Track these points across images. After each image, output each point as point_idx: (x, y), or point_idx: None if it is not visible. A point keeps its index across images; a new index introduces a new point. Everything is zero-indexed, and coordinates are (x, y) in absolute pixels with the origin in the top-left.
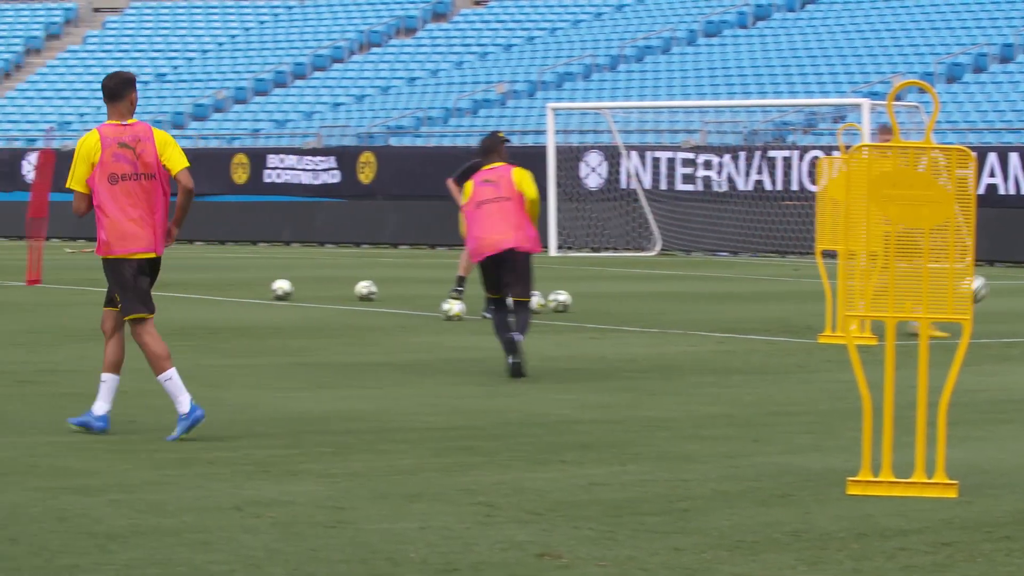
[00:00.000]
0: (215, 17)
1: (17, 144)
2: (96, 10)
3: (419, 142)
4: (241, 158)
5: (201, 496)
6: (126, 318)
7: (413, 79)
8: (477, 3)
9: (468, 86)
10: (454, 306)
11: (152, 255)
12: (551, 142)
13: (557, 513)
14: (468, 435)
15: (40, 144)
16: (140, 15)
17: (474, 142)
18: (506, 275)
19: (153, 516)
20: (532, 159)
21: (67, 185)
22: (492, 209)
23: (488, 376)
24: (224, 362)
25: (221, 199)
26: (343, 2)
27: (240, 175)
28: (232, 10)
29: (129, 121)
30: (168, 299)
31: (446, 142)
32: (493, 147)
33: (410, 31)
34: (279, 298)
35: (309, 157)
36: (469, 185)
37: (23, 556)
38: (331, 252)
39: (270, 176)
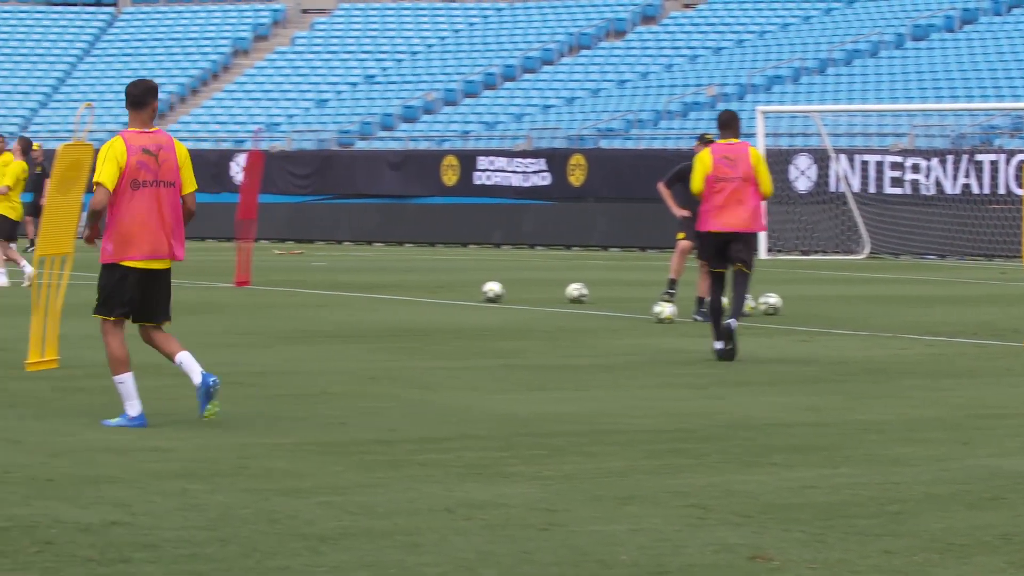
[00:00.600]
0: (424, 18)
1: (225, 145)
2: (304, 11)
3: (629, 144)
4: (451, 160)
5: (412, 498)
6: (94, 313)
7: (623, 82)
8: (687, 6)
9: (678, 89)
10: (665, 308)
11: (158, 264)
12: (761, 145)
13: (768, 515)
14: (678, 437)
15: (248, 146)
16: (348, 16)
17: (684, 145)
18: (732, 248)
19: (364, 518)
20: None
21: (97, 180)
22: (727, 188)
23: (698, 378)
24: (435, 364)
25: (431, 201)
26: (552, 5)
27: (450, 177)
28: (441, 12)
29: (151, 129)
30: (379, 301)
31: (656, 145)
32: (730, 122)
33: (620, 33)
34: (490, 300)
35: (519, 159)
36: (707, 156)
37: (234, 558)
38: (541, 254)
39: (480, 178)
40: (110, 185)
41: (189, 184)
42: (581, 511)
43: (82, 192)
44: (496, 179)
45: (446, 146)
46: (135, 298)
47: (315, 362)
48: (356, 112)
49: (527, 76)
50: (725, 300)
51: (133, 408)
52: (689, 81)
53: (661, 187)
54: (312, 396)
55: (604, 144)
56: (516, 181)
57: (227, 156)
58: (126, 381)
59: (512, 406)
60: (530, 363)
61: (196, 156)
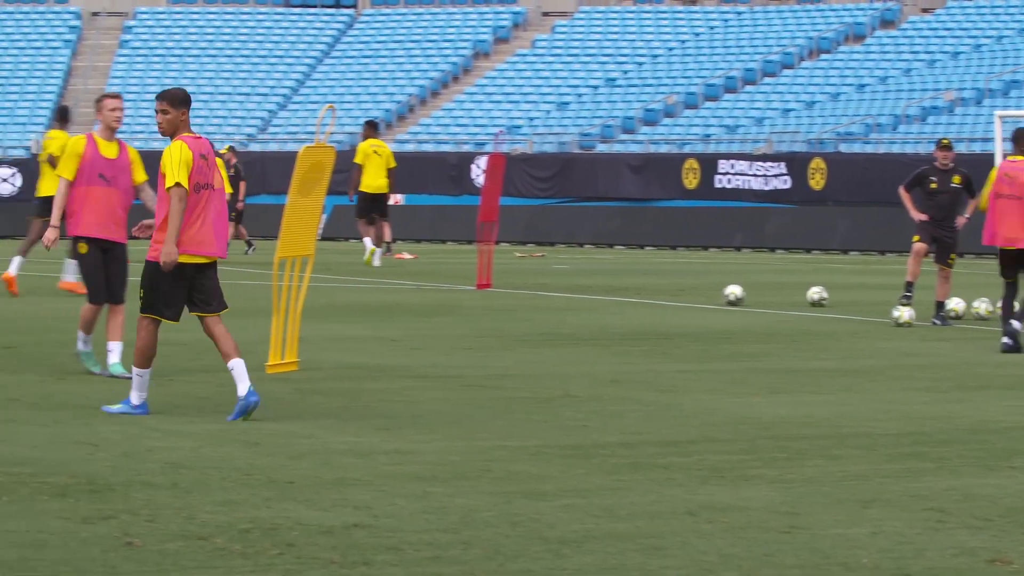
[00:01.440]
0: (664, 21)
1: (466, 148)
2: (545, 14)
3: (868, 148)
4: (692, 163)
5: (654, 501)
6: (141, 312)
7: (862, 86)
8: (925, 10)
9: (916, 93)
10: (904, 312)
11: (204, 259)
12: (999, 150)
13: (1008, 519)
14: (919, 441)
15: (489, 148)
16: (589, 19)
17: (923, 149)
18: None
19: (606, 521)
20: (979, 166)
21: (175, 183)
22: (1006, 205)
23: (937, 382)
24: (678, 367)
25: (672, 204)
26: (792, 8)
27: (691, 180)
28: (682, 15)
29: (197, 135)
30: (621, 304)
31: (895, 149)
32: (1017, 139)
33: (859, 38)
34: (731, 303)
35: (760, 163)
36: (993, 172)
37: (476, 560)
38: (782, 258)
39: (721, 181)
40: (188, 187)
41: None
42: (822, 514)
43: (323, 194)
44: (736, 182)
45: (687, 149)
46: (182, 298)
47: (557, 365)
48: (597, 115)
49: (767, 80)
50: (1016, 304)
51: (138, 397)
52: (927, 85)
53: (902, 191)
54: (554, 399)
55: (844, 148)
56: (756, 184)
57: (467, 159)
58: (144, 375)
59: (753, 409)
60: (771, 366)
61: (436, 158)
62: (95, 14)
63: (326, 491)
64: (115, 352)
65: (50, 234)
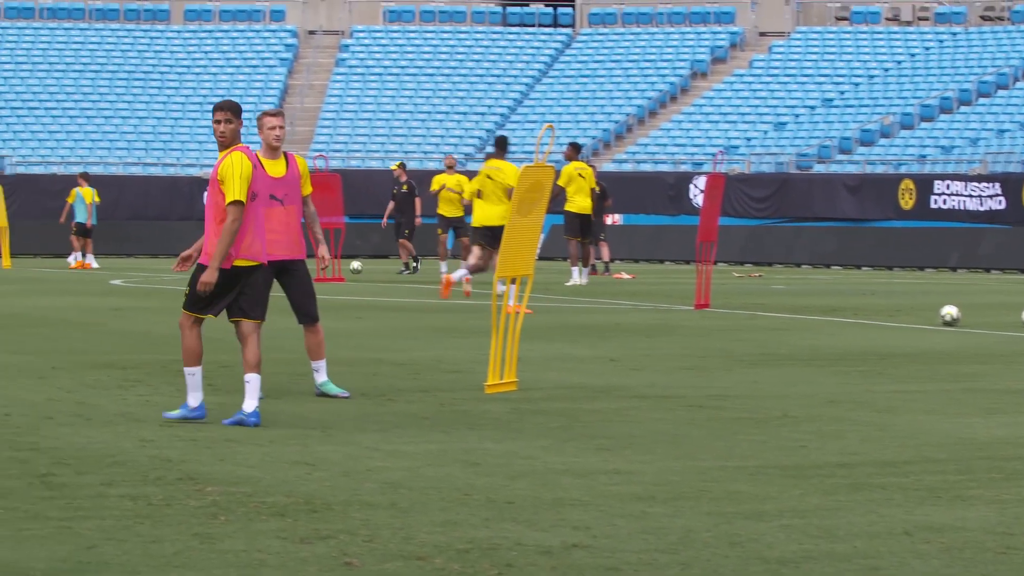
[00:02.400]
0: (880, 42)
1: (684, 168)
2: (762, 34)
3: None
4: (908, 184)
5: (872, 521)
6: (184, 310)
7: None
8: None
9: None
10: None
11: (253, 263)
12: None
13: None
14: None
15: (707, 168)
16: (806, 39)
17: None
18: None
19: (824, 541)
20: None
21: (235, 200)
22: None
23: None
24: (895, 387)
25: (888, 224)
26: (1007, 29)
27: (907, 200)
28: (898, 35)
29: (246, 145)
30: (838, 324)
31: None
32: None
33: None
34: (947, 324)
35: (975, 183)
36: None
37: None
38: (997, 278)
39: (936, 202)
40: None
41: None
42: None
43: (543, 213)
44: (952, 203)
45: (903, 170)
46: (226, 299)
47: (775, 385)
48: (814, 135)
49: (982, 100)
50: None
51: (194, 399)
52: None
53: None
54: (773, 419)
55: None
56: (972, 205)
57: (686, 178)
58: (195, 374)
59: (970, 430)
60: (987, 387)
61: (654, 178)
62: (312, 32)
63: (545, 511)
64: (321, 371)
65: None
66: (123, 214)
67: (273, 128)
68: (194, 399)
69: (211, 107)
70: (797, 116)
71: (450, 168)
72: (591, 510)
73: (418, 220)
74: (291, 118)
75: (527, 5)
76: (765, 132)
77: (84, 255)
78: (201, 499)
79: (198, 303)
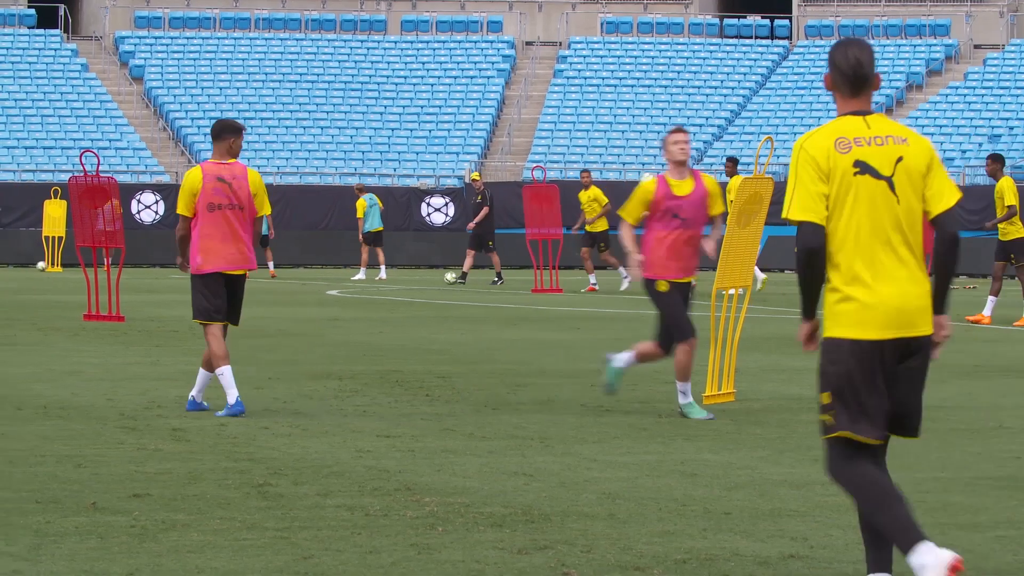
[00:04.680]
0: None
1: None
2: (976, 47)
3: None
4: None
5: None
6: (194, 319)
7: None
8: None
9: None
10: None
11: (235, 271)
12: None
13: None
14: None
15: None
16: (1020, 52)
17: None
18: None
19: None
20: None
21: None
22: None
23: None
24: None
25: None
26: None
27: None
28: None
29: (228, 161)
30: None
31: None
32: None
33: None
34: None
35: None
36: None
37: None
38: None
39: None
40: (187, 213)
41: (264, 208)
42: None
43: (762, 224)
44: None
45: None
46: (219, 301)
47: (990, 396)
48: None
49: None
50: None
51: (231, 396)
52: None
53: None
54: (987, 430)
55: None
56: None
57: None
58: (225, 373)
59: None
60: None
61: None
62: (529, 43)
63: (762, 522)
64: (687, 393)
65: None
66: (338, 224)
67: (676, 143)
68: (231, 396)
69: (427, 118)
70: (1011, 129)
71: (587, 184)
72: (808, 521)
73: (470, 226)
74: (508, 129)
75: (744, 17)
76: (980, 144)
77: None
78: (419, 509)
79: (200, 308)
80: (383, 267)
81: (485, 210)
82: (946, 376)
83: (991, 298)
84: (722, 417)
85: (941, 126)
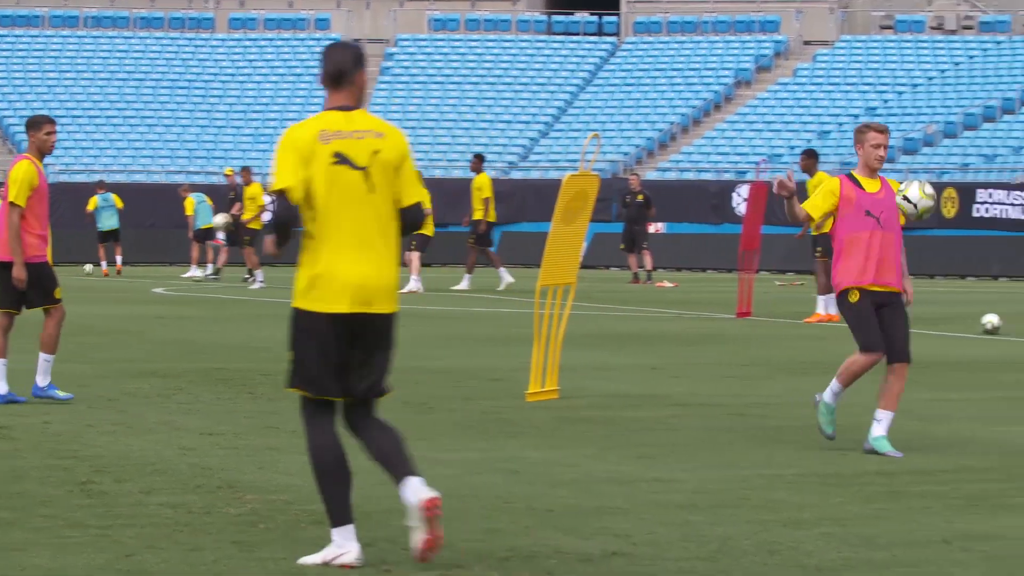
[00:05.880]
0: (924, 50)
1: (727, 176)
2: (806, 43)
3: None
4: (951, 192)
5: (911, 529)
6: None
7: None
8: None
9: None
10: None
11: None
12: None
13: None
14: None
15: (750, 177)
16: (850, 48)
17: None
18: None
19: (864, 549)
20: None
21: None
22: None
23: None
24: (936, 395)
25: (931, 233)
26: None
27: (949, 209)
28: (942, 44)
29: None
30: None
31: None
32: None
33: None
34: (988, 332)
35: (1018, 192)
36: None
37: None
38: None
39: (979, 211)
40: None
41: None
42: None
43: (586, 223)
44: (994, 211)
45: (945, 178)
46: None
47: (815, 393)
48: None
49: None
50: None
51: (3, 387)
52: None
53: None
54: (813, 427)
55: None
56: (1014, 214)
57: (729, 187)
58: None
59: (1012, 437)
60: None
61: (697, 187)
62: (356, 40)
63: (586, 519)
64: (882, 423)
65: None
66: (166, 223)
67: (877, 146)
68: (3, 387)
69: (255, 116)
70: (841, 125)
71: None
72: (631, 518)
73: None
74: None
75: (572, 14)
76: (808, 141)
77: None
78: (241, 507)
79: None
80: (211, 265)
81: (237, 205)
82: (773, 373)
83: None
84: (546, 414)
85: (770, 122)
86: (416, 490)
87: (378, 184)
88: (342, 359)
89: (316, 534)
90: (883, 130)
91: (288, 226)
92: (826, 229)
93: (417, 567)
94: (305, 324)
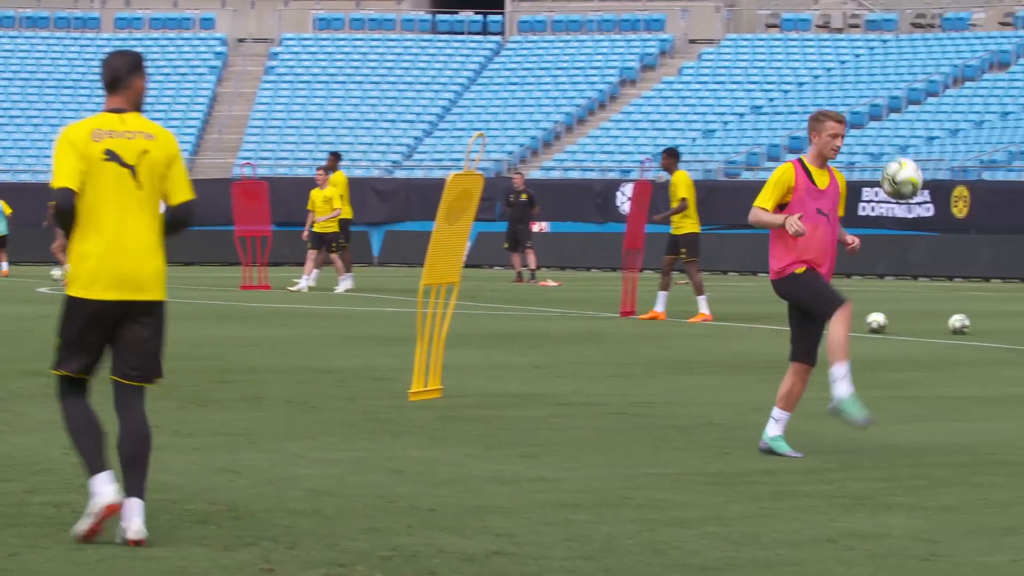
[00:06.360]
0: (811, 49)
1: (611, 175)
2: (692, 41)
3: (1012, 176)
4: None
5: (796, 528)
6: None
7: (1006, 113)
8: None
9: None
10: None
11: None
12: None
13: None
14: None
15: (635, 175)
16: (735, 46)
17: None
18: None
19: (748, 548)
20: None
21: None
22: None
23: None
24: (821, 394)
25: None
26: (938, 37)
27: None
28: (828, 43)
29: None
30: (765, 332)
31: None
32: None
33: (1004, 66)
34: (874, 331)
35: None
36: None
37: None
38: (924, 285)
39: (864, 209)
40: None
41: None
42: (962, 542)
43: (470, 222)
44: (880, 210)
45: None
46: None
47: (700, 392)
48: (742, 142)
49: (912, 108)
50: None
51: None
52: None
53: None
54: (697, 426)
55: (987, 176)
56: (900, 212)
57: (613, 186)
58: None
59: (896, 437)
60: (913, 394)
61: (582, 186)
62: (241, 40)
63: (468, 518)
64: (780, 423)
65: None
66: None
67: (836, 136)
68: None
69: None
70: (726, 123)
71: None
72: (515, 517)
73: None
74: (219, 126)
75: (457, 13)
76: (694, 140)
77: None
78: None
79: None
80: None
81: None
82: (656, 372)
83: (662, 293)
84: (429, 414)
85: (654, 121)
86: (107, 488)
87: (145, 182)
88: (103, 343)
89: (200, 533)
90: (841, 120)
91: (69, 214)
92: (686, 229)
93: (299, 566)
94: (73, 310)
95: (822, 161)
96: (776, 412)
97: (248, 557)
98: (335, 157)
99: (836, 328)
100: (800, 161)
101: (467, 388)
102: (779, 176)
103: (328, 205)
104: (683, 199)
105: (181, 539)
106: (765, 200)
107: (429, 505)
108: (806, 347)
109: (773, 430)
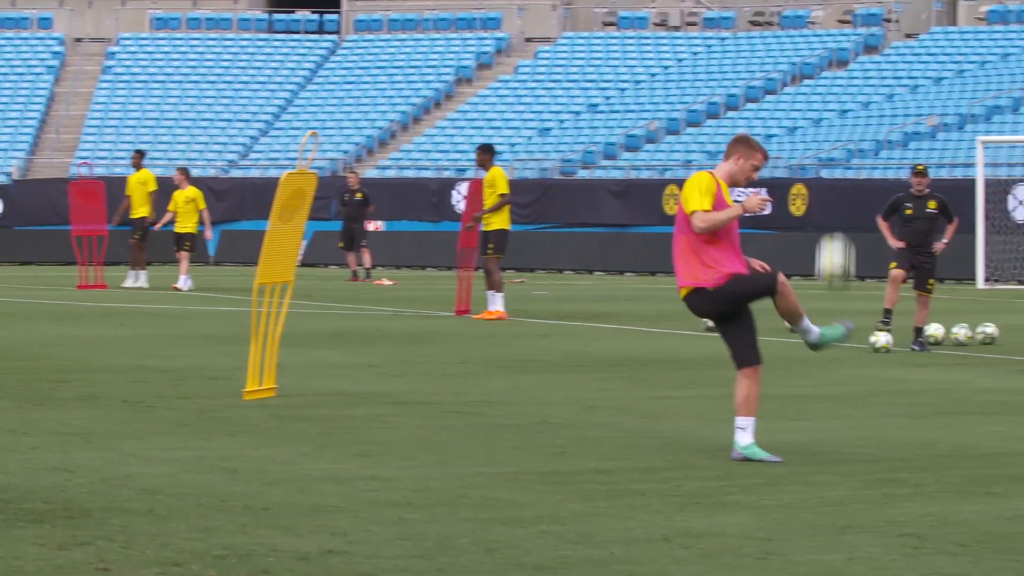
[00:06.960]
0: (648, 47)
1: (447, 174)
2: (528, 40)
3: (850, 174)
4: (673, 189)
5: (631, 527)
6: None
7: (845, 111)
8: (908, 36)
9: (899, 119)
10: (881, 338)
11: None
12: (980, 175)
13: (985, 545)
14: (896, 467)
15: (470, 174)
16: (572, 45)
17: (905, 174)
18: None
19: (582, 547)
20: (961, 192)
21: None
22: None
23: (916, 408)
24: (657, 393)
25: (653, 230)
26: (776, 34)
27: (672, 206)
28: (665, 41)
29: None
30: (600, 330)
31: (876, 174)
32: None
33: (842, 63)
34: (710, 330)
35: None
36: None
37: None
38: None
39: None
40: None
41: None
42: (798, 540)
43: (304, 221)
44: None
45: (668, 175)
46: None
47: (536, 391)
48: (579, 141)
49: (749, 105)
50: None
51: None
52: (910, 111)
53: (879, 220)
54: (533, 425)
55: (825, 174)
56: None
57: (449, 185)
58: None
59: (731, 436)
60: None
61: (417, 184)
62: (78, 40)
63: (302, 517)
64: (747, 431)
65: None
66: None
67: (756, 170)
68: None
69: None
70: (562, 122)
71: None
72: (348, 516)
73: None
74: (56, 125)
75: (293, 12)
76: (529, 138)
77: None
78: None
79: None
80: None
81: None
82: (491, 370)
83: (493, 293)
84: (263, 413)
85: (490, 120)
86: None
87: None
88: None
89: (34, 532)
90: (768, 156)
91: None
92: (496, 226)
93: (133, 565)
94: None
95: (731, 183)
96: (740, 421)
97: (83, 556)
98: (139, 155)
99: (782, 293)
100: (713, 174)
101: (302, 387)
102: (707, 183)
103: (192, 205)
104: (503, 194)
105: (15, 539)
106: (702, 203)
107: (263, 504)
108: (746, 350)
109: (744, 439)
